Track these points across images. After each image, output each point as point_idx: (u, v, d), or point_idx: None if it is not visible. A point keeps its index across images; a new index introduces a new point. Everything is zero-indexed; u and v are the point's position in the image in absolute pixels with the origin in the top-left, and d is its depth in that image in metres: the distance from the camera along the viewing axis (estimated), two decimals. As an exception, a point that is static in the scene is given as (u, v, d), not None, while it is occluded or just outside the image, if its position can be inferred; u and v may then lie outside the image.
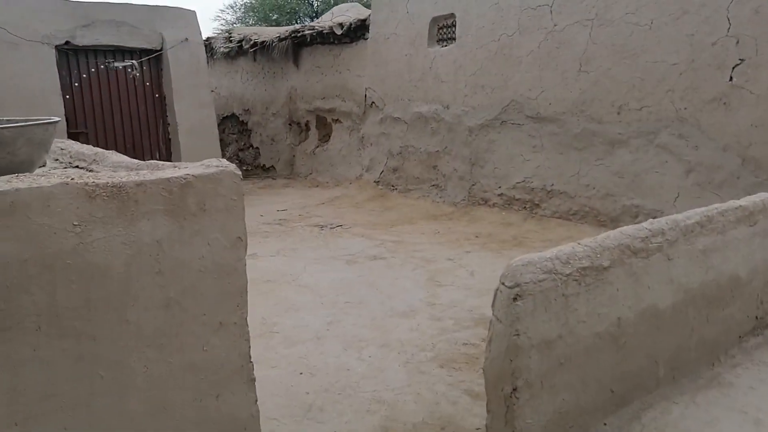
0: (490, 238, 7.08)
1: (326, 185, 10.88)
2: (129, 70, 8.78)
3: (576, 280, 2.44)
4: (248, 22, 24.27)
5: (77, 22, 8.39)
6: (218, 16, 26.71)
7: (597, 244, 2.57)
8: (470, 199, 8.45)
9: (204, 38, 14.01)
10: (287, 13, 23.22)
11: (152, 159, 8.85)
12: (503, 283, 2.38)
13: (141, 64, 8.90)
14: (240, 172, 2.09)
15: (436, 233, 7.43)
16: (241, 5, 26.17)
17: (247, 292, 2.22)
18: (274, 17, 23.56)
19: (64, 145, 3.02)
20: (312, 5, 24.15)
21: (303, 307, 5.03)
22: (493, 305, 2.45)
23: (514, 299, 2.31)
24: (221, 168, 2.04)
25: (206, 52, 14.10)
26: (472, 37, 8.29)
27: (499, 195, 8.04)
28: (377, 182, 10.03)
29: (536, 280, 2.34)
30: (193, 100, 9.36)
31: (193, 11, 9.47)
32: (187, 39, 9.26)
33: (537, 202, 7.54)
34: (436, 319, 4.70)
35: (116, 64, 8.69)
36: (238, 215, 2.09)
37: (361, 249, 6.76)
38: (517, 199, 7.81)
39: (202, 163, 2.11)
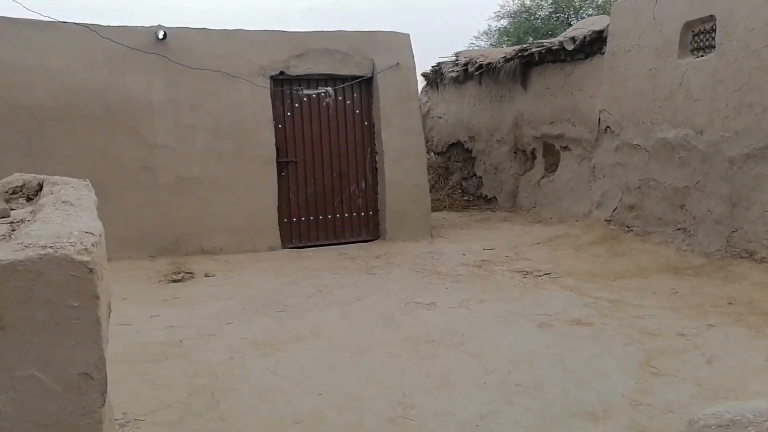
0: (750, 307, 5.17)
1: (549, 221, 9.50)
2: (323, 96, 8.51)
3: None
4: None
5: (292, 52, 8.36)
6: (472, 44, 26.43)
7: None
8: (728, 249, 6.48)
9: (435, 64, 13.67)
10: (543, 35, 21.82)
11: (357, 188, 8.45)
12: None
13: (340, 91, 8.59)
14: (89, 259, 1.16)
15: (672, 294, 5.71)
16: (495, 30, 25.63)
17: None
18: (529, 41, 22.39)
19: (56, 188, 2.38)
20: (570, 24, 22.45)
21: (459, 383, 3.92)
22: None
23: None
24: (46, 253, 1.14)
25: (436, 78, 13.72)
26: (737, 44, 6.40)
27: (770, 247, 6.00)
28: (608, 221, 8.40)
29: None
30: (402, 128, 8.79)
31: (407, 35, 8.95)
32: (398, 64, 8.74)
33: (828, 260, 5.39)
34: (636, 431, 3.26)
35: (305, 92, 8.47)
36: (87, 332, 1.16)
37: (564, 308, 5.38)
38: (796, 254, 5.72)
39: (22, 241, 1.22)
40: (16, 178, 2.30)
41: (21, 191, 2.16)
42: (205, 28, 8.06)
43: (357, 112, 8.81)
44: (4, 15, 7.24)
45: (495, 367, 4.15)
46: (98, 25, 7.53)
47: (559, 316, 5.16)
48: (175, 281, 6.76)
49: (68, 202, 1.71)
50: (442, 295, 5.89)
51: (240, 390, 3.89)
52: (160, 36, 7.73)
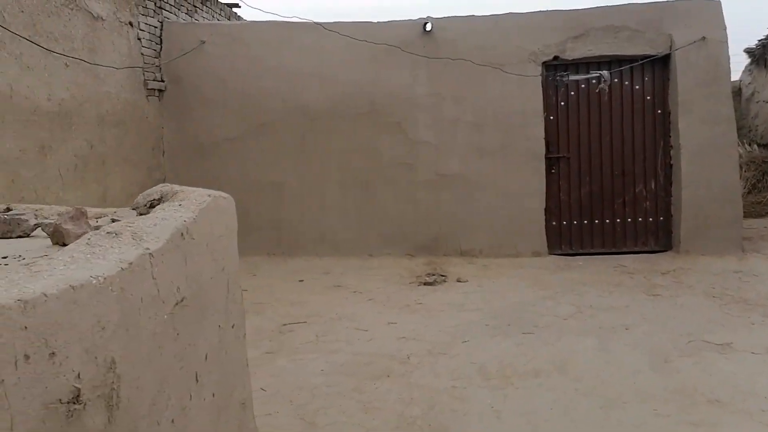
0: None
1: None
2: (597, 81, 7.27)
3: None
4: None
5: (568, 34, 7.37)
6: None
7: None
8: None
9: (763, 37, 11.18)
10: None
11: (645, 189, 7.18)
12: None
13: (626, 74, 7.27)
14: None
15: None
16: None
17: None
18: None
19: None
20: None
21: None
22: None
23: None
24: None
25: (765, 53, 11.21)
26: None
27: None
28: None
29: None
30: (706, 115, 7.15)
31: (717, 2, 7.24)
32: (703, 38, 7.12)
33: None
34: None
35: (572, 77, 7.30)
36: None
37: None
38: None
39: None
40: (156, 190, 2.00)
41: (159, 203, 1.84)
42: (472, 16, 7.53)
43: (648, 98, 7.44)
44: (285, 20, 7.63)
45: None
46: (365, 22, 7.53)
47: None
48: (426, 284, 6.39)
49: (115, 233, 1.27)
50: (744, 335, 4.45)
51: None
52: (428, 28, 7.42)
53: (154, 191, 2.00)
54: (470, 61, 7.33)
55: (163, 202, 1.82)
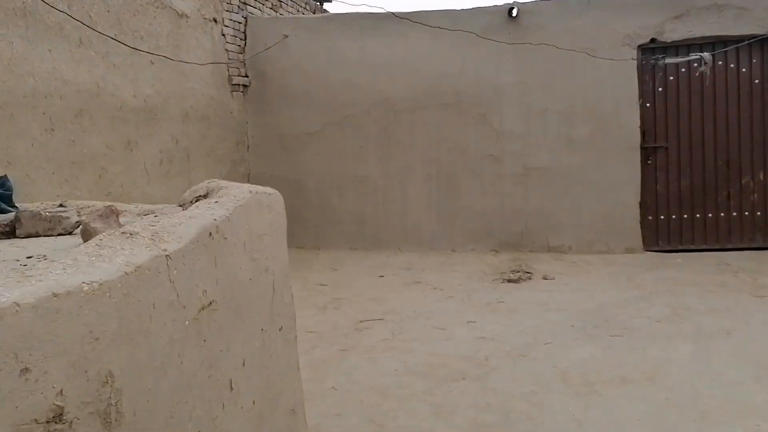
0: None
1: None
2: (697, 65, 6.68)
3: None
4: None
5: (667, 14, 6.86)
6: None
7: None
8: None
9: None
10: None
11: (752, 180, 6.60)
12: None
13: (732, 56, 6.67)
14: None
15: None
16: None
17: None
18: None
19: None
20: None
21: None
22: None
23: None
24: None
25: None
26: None
27: None
28: None
29: None
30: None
31: (840, -30, 6.52)
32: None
33: None
34: None
35: (668, 60, 6.74)
36: None
37: None
38: None
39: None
40: (203, 186, 1.93)
41: (205, 198, 1.77)
42: (561, -1, 7.15)
43: (755, 81, 6.81)
44: (370, 12, 7.53)
45: None
46: (449, 10, 7.32)
47: None
48: (510, 281, 6.13)
49: (130, 234, 1.19)
50: None
51: (527, 442, 3.04)
52: (514, 14, 7.11)
53: (201, 187, 1.93)
54: (558, 47, 6.96)
55: (214, 195, 1.73)
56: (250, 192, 1.69)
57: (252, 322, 1.60)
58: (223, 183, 1.86)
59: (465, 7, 7.44)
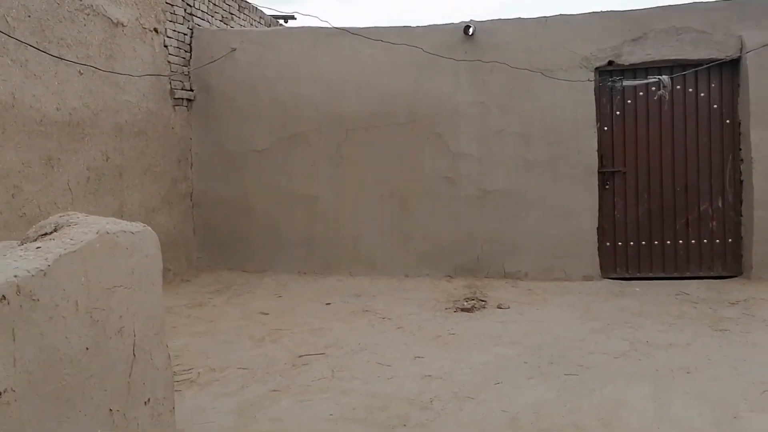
0: None
1: None
2: (655, 88, 6.55)
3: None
4: None
5: (625, 36, 6.73)
6: None
7: None
8: None
9: None
10: None
11: (711, 207, 6.47)
12: None
13: (690, 80, 6.55)
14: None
15: None
16: None
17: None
18: None
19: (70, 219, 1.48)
20: None
21: None
22: None
23: None
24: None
25: None
26: None
27: None
28: None
29: None
30: (783, 126, 6.38)
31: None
32: (781, 38, 6.36)
33: None
34: None
35: (626, 83, 6.63)
36: None
37: None
38: None
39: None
40: (52, 221, 1.56)
41: (50, 236, 1.41)
42: (519, 18, 6.97)
43: (714, 106, 6.71)
44: (322, 27, 7.24)
45: None
46: (404, 27, 7.09)
47: None
48: (463, 309, 5.84)
49: None
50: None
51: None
52: (470, 32, 6.90)
53: (49, 222, 1.57)
54: (515, 67, 6.76)
55: (57, 233, 1.37)
56: (98, 232, 1.33)
57: (90, 404, 1.24)
58: (79, 217, 1.50)
59: (421, 24, 7.21)
